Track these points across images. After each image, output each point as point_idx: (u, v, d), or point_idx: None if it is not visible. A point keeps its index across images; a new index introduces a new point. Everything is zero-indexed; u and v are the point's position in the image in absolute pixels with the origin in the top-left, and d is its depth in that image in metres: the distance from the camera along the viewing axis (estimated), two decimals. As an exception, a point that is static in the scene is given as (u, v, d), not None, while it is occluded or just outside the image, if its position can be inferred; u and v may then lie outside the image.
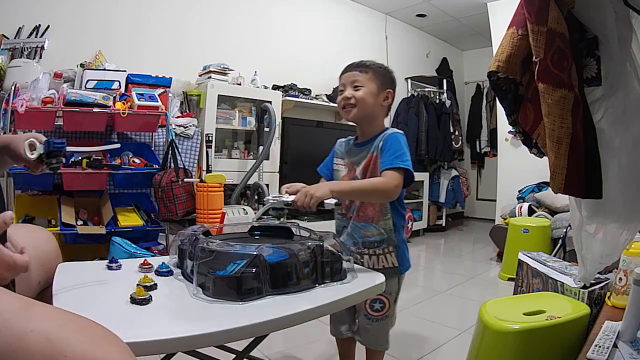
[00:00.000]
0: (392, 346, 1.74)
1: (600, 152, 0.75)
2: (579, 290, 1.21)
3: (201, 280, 0.87)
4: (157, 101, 2.46)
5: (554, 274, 1.35)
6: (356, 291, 0.95)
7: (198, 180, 2.44)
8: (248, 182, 2.98)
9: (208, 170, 2.73)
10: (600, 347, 0.88)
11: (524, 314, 1.11)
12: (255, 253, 0.86)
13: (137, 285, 0.85)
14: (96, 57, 2.65)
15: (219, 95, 3.02)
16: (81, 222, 2.40)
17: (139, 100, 2.38)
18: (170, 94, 2.81)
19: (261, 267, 0.85)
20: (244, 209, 2.63)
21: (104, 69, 2.59)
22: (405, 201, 1.62)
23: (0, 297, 0.53)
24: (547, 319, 1.06)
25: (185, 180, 2.42)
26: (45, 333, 0.50)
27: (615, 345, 0.89)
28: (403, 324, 1.97)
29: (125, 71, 2.62)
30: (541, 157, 0.89)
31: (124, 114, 2.31)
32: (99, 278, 0.98)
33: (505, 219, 3.51)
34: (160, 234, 2.70)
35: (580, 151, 0.73)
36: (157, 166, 2.54)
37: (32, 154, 0.91)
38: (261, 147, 3.04)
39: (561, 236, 2.57)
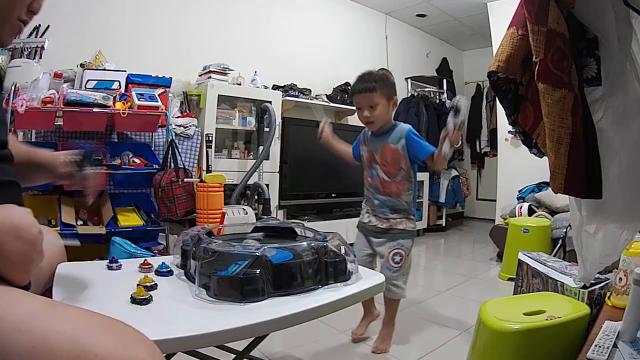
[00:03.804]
0: (392, 346, 1.76)
1: (600, 152, 0.75)
2: (579, 290, 1.21)
3: (204, 281, 0.87)
4: (157, 101, 2.46)
5: (554, 274, 1.35)
6: (356, 291, 0.95)
7: (198, 180, 2.44)
8: (248, 182, 2.98)
9: (208, 170, 2.73)
10: (600, 347, 0.88)
11: (524, 314, 1.11)
12: (257, 254, 0.86)
13: (138, 285, 0.85)
14: (96, 57, 2.65)
15: (219, 95, 3.02)
16: (81, 222, 2.40)
17: (139, 100, 2.38)
18: (170, 94, 2.81)
19: (263, 268, 0.85)
20: (244, 209, 2.63)
21: (104, 69, 2.59)
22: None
23: (22, 299, 0.52)
24: (547, 319, 1.06)
25: (185, 180, 2.42)
26: (72, 334, 0.50)
27: (615, 345, 0.89)
28: (403, 324, 1.97)
29: (125, 71, 2.62)
30: (541, 157, 0.89)
31: (124, 114, 2.31)
32: (99, 278, 0.98)
33: (505, 219, 3.50)
34: (160, 234, 2.70)
35: (580, 151, 0.73)
36: (157, 166, 2.54)
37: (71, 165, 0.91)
38: (261, 147, 3.04)
39: (561, 236, 2.57)
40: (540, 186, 3.51)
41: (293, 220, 3.23)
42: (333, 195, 3.74)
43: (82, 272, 0.99)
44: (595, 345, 0.89)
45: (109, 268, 1.06)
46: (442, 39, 5.70)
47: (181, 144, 2.85)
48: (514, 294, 1.64)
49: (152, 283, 0.89)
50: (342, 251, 0.99)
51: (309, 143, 3.65)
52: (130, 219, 2.49)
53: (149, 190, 2.73)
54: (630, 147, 0.78)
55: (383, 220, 1.70)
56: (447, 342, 1.84)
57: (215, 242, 0.92)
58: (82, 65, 2.54)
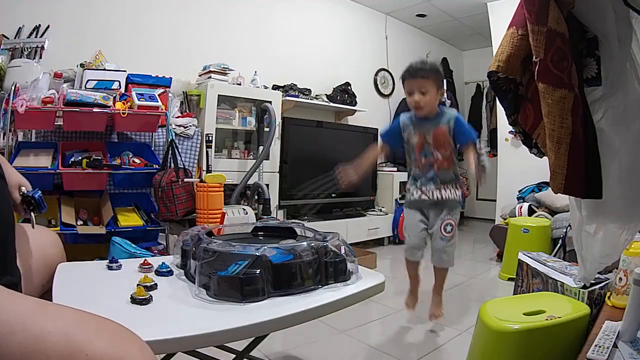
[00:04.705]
0: (392, 346, 1.77)
1: (600, 152, 0.74)
2: (579, 290, 1.21)
3: (204, 281, 0.87)
4: (157, 101, 2.45)
5: (554, 274, 1.35)
6: (356, 291, 0.95)
7: (198, 180, 2.44)
8: (248, 182, 2.98)
9: (208, 170, 2.73)
10: (600, 347, 0.88)
11: (524, 314, 1.11)
12: (257, 254, 0.86)
13: (138, 285, 0.85)
14: (96, 57, 2.65)
15: (219, 95, 3.02)
16: (81, 222, 2.40)
17: (139, 100, 2.38)
18: (170, 94, 2.81)
19: (263, 268, 0.85)
20: (244, 209, 2.63)
21: (104, 69, 2.59)
22: (406, 201, 2.05)
23: (13, 299, 0.52)
24: (547, 319, 1.06)
25: (185, 180, 2.42)
26: (64, 333, 0.49)
27: (615, 345, 0.89)
28: (403, 324, 1.97)
29: (125, 71, 2.62)
30: (541, 157, 0.89)
31: (124, 114, 2.31)
32: (99, 278, 0.98)
33: (505, 219, 3.50)
34: (160, 234, 2.70)
35: (580, 151, 0.73)
36: (157, 166, 2.54)
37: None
38: (261, 147, 3.04)
39: (561, 236, 2.57)
40: (540, 186, 3.51)
41: (293, 220, 3.23)
42: (333, 195, 3.75)
43: (82, 272, 0.99)
44: (595, 345, 0.89)
45: (109, 268, 1.06)
46: (442, 39, 5.70)
47: (181, 144, 2.85)
48: (514, 294, 1.64)
49: (152, 283, 0.89)
50: (342, 251, 0.99)
51: (309, 143, 3.67)
52: (130, 219, 2.49)
53: (149, 190, 2.73)
54: (630, 147, 0.78)
55: (437, 193, 1.86)
56: (447, 342, 1.84)
57: (215, 242, 0.92)
58: (82, 65, 2.54)
